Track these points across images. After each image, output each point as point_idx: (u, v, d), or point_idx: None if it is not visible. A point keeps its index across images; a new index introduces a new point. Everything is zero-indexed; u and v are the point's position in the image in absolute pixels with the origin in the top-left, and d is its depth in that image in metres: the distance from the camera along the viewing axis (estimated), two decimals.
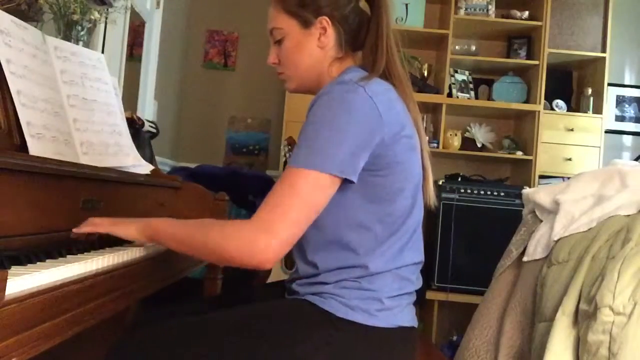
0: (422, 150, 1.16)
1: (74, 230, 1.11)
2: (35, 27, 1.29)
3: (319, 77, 1.18)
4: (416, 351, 1.15)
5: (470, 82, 3.75)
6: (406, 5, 3.57)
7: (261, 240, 0.97)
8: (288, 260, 2.75)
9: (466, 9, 3.58)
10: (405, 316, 1.11)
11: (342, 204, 1.06)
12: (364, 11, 1.18)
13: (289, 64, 1.19)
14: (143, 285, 1.15)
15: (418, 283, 1.16)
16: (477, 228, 3.03)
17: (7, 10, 1.17)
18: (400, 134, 1.07)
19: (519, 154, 3.61)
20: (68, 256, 0.98)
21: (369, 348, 1.05)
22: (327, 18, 1.15)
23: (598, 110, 3.62)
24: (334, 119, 1.02)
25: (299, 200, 0.99)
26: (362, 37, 1.18)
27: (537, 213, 1.75)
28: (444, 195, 3.06)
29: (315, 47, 1.16)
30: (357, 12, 1.17)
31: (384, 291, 1.07)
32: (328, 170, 1.00)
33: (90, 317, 0.90)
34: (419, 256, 1.16)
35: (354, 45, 1.19)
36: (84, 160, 1.26)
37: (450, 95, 3.60)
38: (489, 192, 3.12)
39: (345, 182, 1.03)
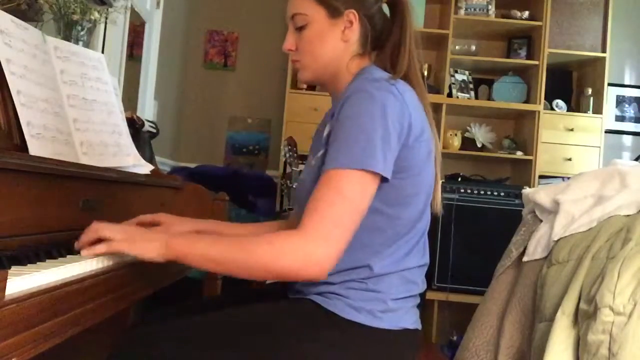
0: (434, 157, 1.15)
1: (84, 253, 0.97)
2: (35, 27, 1.29)
3: (336, 72, 1.16)
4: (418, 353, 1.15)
5: (470, 82, 3.75)
6: None
7: (319, 251, 0.93)
8: None
9: (466, 9, 3.58)
10: (410, 318, 1.10)
11: None
12: (388, 11, 1.18)
13: (307, 53, 1.16)
14: (143, 285, 1.14)
15: (423, 286, 1.15)
16: (477, 228, 3.03)
17: (7, 10, 1.17)
18: (422, 137, 1.07)
19: (519, 154, 3.61)
20: (68, 256, 0.98)
21: (373, 349, 1.04)
22: (355, 12, 1.13)
23: (598, 110, 3.62)
24: (371, 117, 1.00)
25: (350, 205, 0.96)
26: (384, 38, 1.17)
27: (537, 213, 1.75)
28: (444, 195, 3.03)
29: (338, 39, 1.14)
30: (382, 13, 1.17)
31: (390, 293, 1.06)
32: (372, 168, 0.98)
33: (90, 317, 0.90)
34: (425, 259, 1.16)
35: (375, 44, 1.18)
36: (84, 160, 1.25)
37: (450, 95, 3.60)
38: (489, 192, 3.12)
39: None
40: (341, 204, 0.96)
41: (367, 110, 1.01)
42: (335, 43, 1.14)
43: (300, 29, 1.15)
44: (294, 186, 2.71)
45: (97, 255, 0.97)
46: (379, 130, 0.99)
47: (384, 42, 1.17)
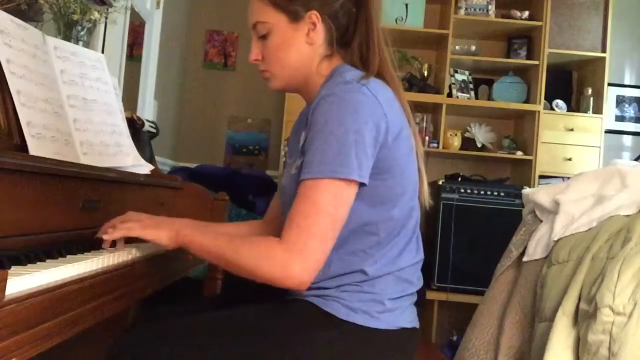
0: (416, 152, 1.14)
1: (105, 237, 1.11)
2: (35, 27, 1.29)
3: (307, 76, 1.13)
4: (416, 352, 1.14)
5: (470, 82, 3.75)
6: (406, 5, 3.57)
7: (296, 264, 0.95)
8: None
9: (466, 9, 3.58)
10: (407, 317, 1.10)
11: None
12: (351, 7, 1.14)
13: (274, 61, 1.12)
14: (143, 285, 1.15)
15: (419, 283, 1.15)
16: (477, 228, 3.03)
17: (7, 10, 1.17)
18: (401, 134, 1.06)
19: (519, 154, 3.61)
20: (68, 256, 0.98)
21: (371, 349, 1.04)
22: (316, 12, 1.09)
23: (598, 110, 3.62)
24: (342, 121, 0.98)
25: (325, 216, 0.96)
26: (350, 34, 1.13)
27: (537, 213, 1.75)
28: (444, 195, 3.05)
29: (303, 43, 1.10)
30: (345, 8, 1.13)
31: (386, 293, 1.06)
32: (346, 176, 0.97)
33: (90, 317, 0.90)
34: (419, 255, 1.15)
35: (342, 42, 1.14)
36: (84, 160, 1.25)
37: (450, 95, 3.60)
38: (489, 192, 3.12)
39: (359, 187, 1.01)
40: (316, 215, 0.96)
41: (336, 115, 0.99)
42: (301, 48, 1.11)
43: (263, 37, 1.12)
44: None
45: (120, 235, 1.11)
46: (350, 135, 0.97)
47: (351, 38, 1.13)
